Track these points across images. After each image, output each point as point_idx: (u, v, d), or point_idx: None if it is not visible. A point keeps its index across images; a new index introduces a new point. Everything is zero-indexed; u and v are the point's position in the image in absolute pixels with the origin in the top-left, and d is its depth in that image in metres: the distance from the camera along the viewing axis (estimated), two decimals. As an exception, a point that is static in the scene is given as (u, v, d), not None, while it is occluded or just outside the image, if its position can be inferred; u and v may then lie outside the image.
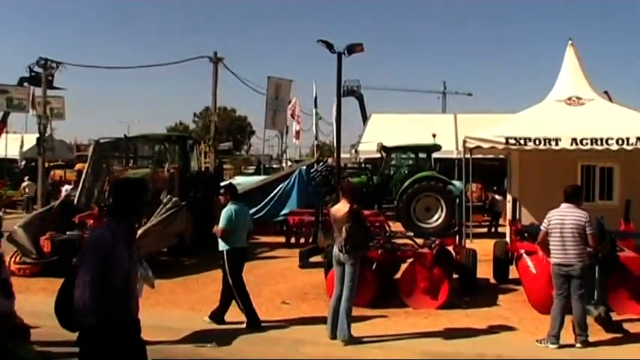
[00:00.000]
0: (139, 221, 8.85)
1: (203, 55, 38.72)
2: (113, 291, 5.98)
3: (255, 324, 12.27)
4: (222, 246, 12.42)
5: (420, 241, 15.36)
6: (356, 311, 11.94)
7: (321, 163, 30.16)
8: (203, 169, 32.40)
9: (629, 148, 19.22)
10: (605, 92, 25.44)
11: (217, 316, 12.57)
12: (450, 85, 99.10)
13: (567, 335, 10.95)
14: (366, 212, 18.97)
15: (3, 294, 4.68)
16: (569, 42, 23.06)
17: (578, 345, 10.83)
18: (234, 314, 12.60)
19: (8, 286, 5.34)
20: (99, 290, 5.87)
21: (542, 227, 11.23)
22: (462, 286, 14.94)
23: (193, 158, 24.73)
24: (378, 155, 32.61)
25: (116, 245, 6.10)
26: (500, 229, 27.19)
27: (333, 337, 11.27)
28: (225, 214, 12.39)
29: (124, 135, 25.38)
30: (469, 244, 18.69)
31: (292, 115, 54.71)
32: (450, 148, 34.29)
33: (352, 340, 11.15)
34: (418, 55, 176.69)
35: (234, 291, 12.41)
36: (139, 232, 12.13)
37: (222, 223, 12.33)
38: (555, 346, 10.79)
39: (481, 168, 30.35)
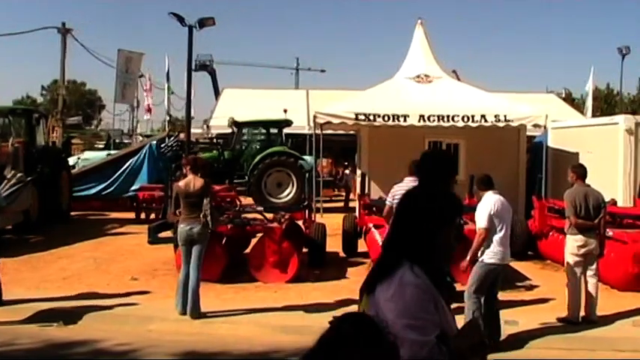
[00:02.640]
0: None
1: (51, 25, 37.43)
2: None
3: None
4: None
5: (269, 215, 15.39)
6: (205, 286, 11.89)
7: (172, 138, 29.77)
8: (50, 144, 31.40)
9: (474, 125, 19.92)
10: (454, 71, 26.28)
11: None
12: (303, 62, 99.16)
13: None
14: (217, 187, 18.87)
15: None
16: (419, 21, 23.56)
17: (422, 315, 11.06)
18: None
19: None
20: None
21: (387, 202, 11.37)
22: (311, 259, 15.11)
23: (40, 132, 23.87)
24: (230, 130, 32.44)
25: None
26: (352, 204, 27.58)
27: (183, 312, 11.16)
28: None
29: (-35, 108, 24.31)
30: (319, 218, 18.93)
31: (146, 90, 53.92)
32: (301, 124, 34.42)
33: (201, 315, 11.08)
34: (272, 31, 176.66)
35: None
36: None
37: None
38: (401, 316, 10.98)
39: (333, 144, 30.77)
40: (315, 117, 20.72)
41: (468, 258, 9.81)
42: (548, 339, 10.21)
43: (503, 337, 10.01)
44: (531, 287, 13.55)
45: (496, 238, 9.53)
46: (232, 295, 12.57)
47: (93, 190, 25.81)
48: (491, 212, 9.56)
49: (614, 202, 16.43)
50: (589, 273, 11.06)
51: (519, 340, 10.13)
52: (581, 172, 11.30)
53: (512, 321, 10.78)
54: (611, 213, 14.81)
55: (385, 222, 12.21)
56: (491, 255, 9.53)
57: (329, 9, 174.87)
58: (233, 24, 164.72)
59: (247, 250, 14.75)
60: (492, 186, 10.03)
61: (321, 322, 9.99)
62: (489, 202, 9.68)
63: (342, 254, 16.68)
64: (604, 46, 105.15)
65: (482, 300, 9.58)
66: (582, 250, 10.90)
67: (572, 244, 11.02)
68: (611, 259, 12.65)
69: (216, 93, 58.55)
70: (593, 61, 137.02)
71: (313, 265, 14.91)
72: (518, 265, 15.43)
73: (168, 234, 16.88)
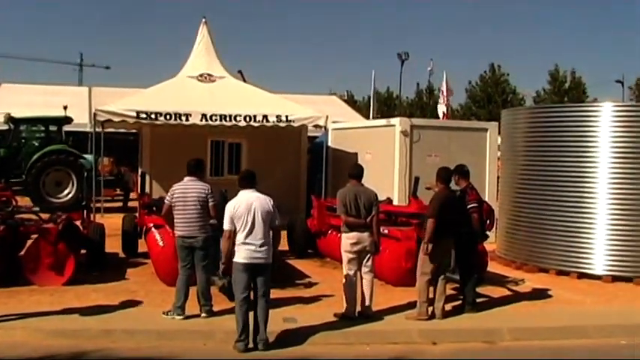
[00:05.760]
0: None
1: None
2: None
3: None
4: None
5: (45, 215, 14.90)
6: (-26, 291, 11.37)
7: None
8: None
9: (256, 124, 20.19)
10: (240, 71, 26.40)
11: None
12: (87, 58, 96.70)
13: (194, 306, 11.20)
14: (-9, 186, 18.08)
15: None
16: (203, 20, 23.60)
17: (203, 315, 11.08)
18: None
19: None
20: None
21: (165, 201, 11.33)
22: (89, 261, 14.75)
23: None
24: (7, 127, 31.08)
25: None
26: (134, 204, 27.18)
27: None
28: None
29: None
30: (100, 218, 18.56)
31: None
32: (83, 121, 33.65)
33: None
34: (55, 25, 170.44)
35: None
36: None
37: None
38: (181, 317, 10.94)
39: (116, 142, 30.22)
40: (95, 114, 20.26)
41: (223, 258, 9.93)
42: (326, 334, 10.47)
43: (280, 333, 10.21)
44: (310, 285, 13.85)
45: (239, 237, 9.67)
46: (5, 300, 12.03)
47: None
48: (231, 214, 9.73)
49: (389, 201, 17.10)
50: (364, 270, 11.43)
51: (298, 336, 10.32)
52: (354, 172, 11.63)
53: (290, 318, 11.00)
54: (386, 211, 15.42)
55: (164, 221, 12.13)
56: (237, 255, 9.66)
57: (114, 3, 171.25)
58: (13, 15, 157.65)
59: (21, 253, 14.17)
60: (246, 184, 10.12)
61: (100, 324, 9.74)
62: (231, 204, 9.87)
63: (122, 255, 16.44)
64: (385, 51, 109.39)
65: (244, 299, 9.66)
66: (355, 248, 11.26)
67: (346, 242, 11.36)
68: (385, 255, 13.14)
69: (-7, 88, 55.94)
70: (374, 66, 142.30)
71: (92, 267, 14.56)
72: (297, 263, 15.84)
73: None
